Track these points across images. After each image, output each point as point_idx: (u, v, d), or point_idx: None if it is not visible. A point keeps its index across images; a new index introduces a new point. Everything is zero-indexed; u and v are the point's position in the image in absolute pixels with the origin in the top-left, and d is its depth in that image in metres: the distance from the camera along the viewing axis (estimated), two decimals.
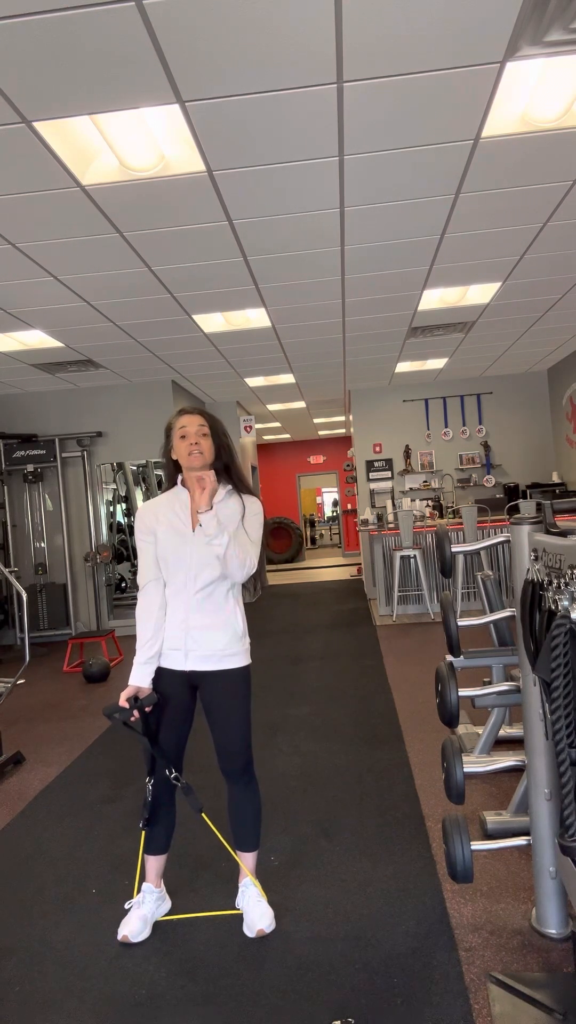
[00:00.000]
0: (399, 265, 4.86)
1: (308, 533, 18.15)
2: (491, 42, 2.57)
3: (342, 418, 12.93)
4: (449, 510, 8.91)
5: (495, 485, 9.64)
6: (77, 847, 2.93)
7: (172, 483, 2.29)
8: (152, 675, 2.19)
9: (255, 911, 2.24)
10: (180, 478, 2.26)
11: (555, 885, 2.07)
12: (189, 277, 4.74)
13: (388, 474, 9.94)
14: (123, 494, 8.24)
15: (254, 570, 2.18)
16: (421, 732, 3.95)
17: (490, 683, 2.94)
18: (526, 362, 8.87)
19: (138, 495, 8.23)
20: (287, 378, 8.70)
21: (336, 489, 17.03)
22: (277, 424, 13.21)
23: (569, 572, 1.54)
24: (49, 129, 2.91)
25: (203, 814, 2.31)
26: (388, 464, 9.94)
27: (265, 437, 15.18)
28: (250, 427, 10.24)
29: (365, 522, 8.72)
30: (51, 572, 8.16)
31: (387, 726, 4.10)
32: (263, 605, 9.63)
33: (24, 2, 2.19)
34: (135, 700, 2.15)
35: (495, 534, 5.87)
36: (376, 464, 9.95)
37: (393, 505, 9.23)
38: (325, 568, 14.15)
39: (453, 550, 2.46)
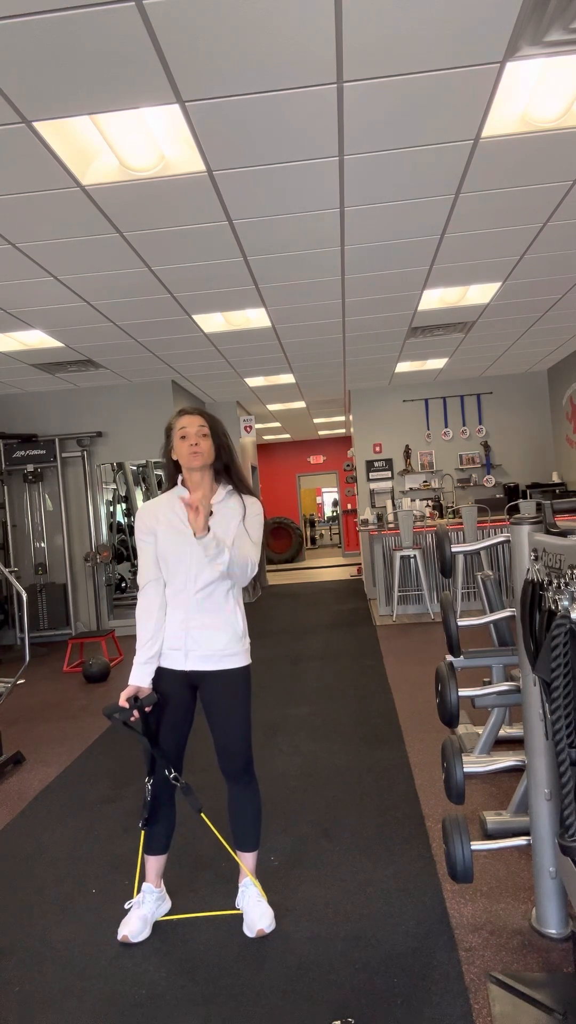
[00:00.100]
0: (399, 265, 4.86)
1: (308, 533, 18.15)
2: (491, 42, 2.57)
3: (342, 418, 12.92)
4: (449, 510, 8.91)
5: (495, 485, 9.64)
6: (77, 847, 2.93)
7: (172, 483, 2.29)
8: (152, 675, 2.19)
9: (255, 911, 2.24)
10: (180, 478, 2.27)
11: (555, 885, 2.07)
12: (189, 277, 4.74)
13: (388, 474, 9.94)
14: (123, 494, 8.24)
15: (255, 571, 2.20)
16: (421, 732, 3.95)
17: (490, 683, 2.93)
18: (526, 362, 8.87)
19: (138, 495, 8.23)
20: (287, 378, 8.70)
21: (336, 489, 17.03)
22: (277, 424, 13.21)
23: (569, 572, 1.54)
24: (49, 129, 2.91)
25: (203, 814, 2.31)
26: (388, 464, 9.94)
27: (265, 437, 15.18)
28: (250, 427, 10.24)
29: (365, 522, 8.72)
30: (51, 572, 8.16)
31: (387, 726, 4.10)
32: (263, 605, 9.63)
33: (24, 2, 2.19)
34: (135, 700, 2.15)
35: (495, 534, 5.87)
36: (376, 464, 9.95)
37: (393, 505, 9.23)
38: (325, 568, 14.15)
39: (453, 550, 2.46)
